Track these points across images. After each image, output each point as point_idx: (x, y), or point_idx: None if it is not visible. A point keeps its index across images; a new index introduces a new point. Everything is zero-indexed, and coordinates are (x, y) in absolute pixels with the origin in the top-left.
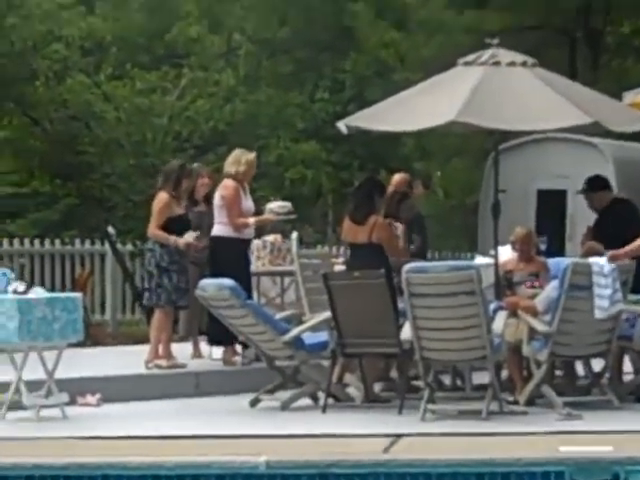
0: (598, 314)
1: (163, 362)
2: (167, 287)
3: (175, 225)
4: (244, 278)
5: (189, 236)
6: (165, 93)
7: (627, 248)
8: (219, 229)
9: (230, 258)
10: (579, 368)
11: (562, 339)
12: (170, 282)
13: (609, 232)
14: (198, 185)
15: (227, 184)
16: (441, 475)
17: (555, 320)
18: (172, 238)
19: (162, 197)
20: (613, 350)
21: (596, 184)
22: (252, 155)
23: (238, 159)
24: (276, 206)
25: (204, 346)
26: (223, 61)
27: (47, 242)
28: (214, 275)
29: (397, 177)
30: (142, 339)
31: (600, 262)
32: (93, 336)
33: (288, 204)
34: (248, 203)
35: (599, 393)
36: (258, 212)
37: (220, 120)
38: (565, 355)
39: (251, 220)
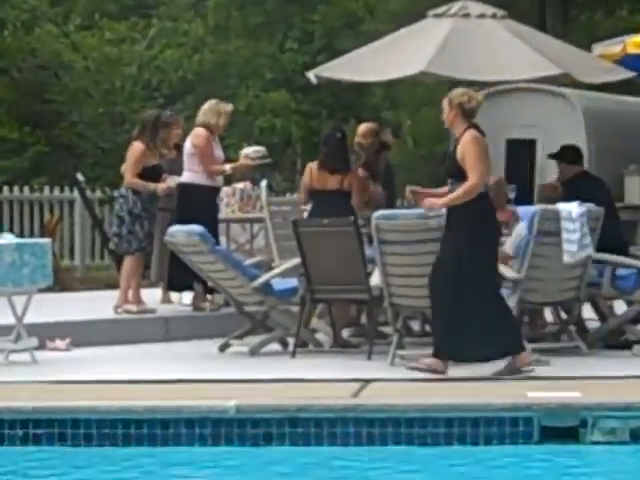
0: (567, 258)
1: (133, 307)
2: (138, 234)
3: (150, 174)
4: (213, 225)
5: (171, 180)
6: (134, 43)
7: (447, 198)
8: (189, 176)
9: (200, 205)
10: (548, 315)
11: (531, 285)
12: (142, 229)
13: None
14: (173, 131)
15: (199, 132)
16: (410, 420)
17: (524, 266)
18: (152, 185)
19: (138, 147)
20: (582, 296)
21: (566, 155)
22: (229, 106)
23: (216, 110)
24: (251, 151)
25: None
26: (192, 12)
27: (16, 189)
28: (182, 222)
29: (363, 127)
30: (111, 284)
31: (568, 207)
32: (62, 281)
33: (262, 148)
34: (218, 151)
35: (567, 339)
36: (228, 160)
37: (189, 70)
38: (534, 302)
39: (227, 167)
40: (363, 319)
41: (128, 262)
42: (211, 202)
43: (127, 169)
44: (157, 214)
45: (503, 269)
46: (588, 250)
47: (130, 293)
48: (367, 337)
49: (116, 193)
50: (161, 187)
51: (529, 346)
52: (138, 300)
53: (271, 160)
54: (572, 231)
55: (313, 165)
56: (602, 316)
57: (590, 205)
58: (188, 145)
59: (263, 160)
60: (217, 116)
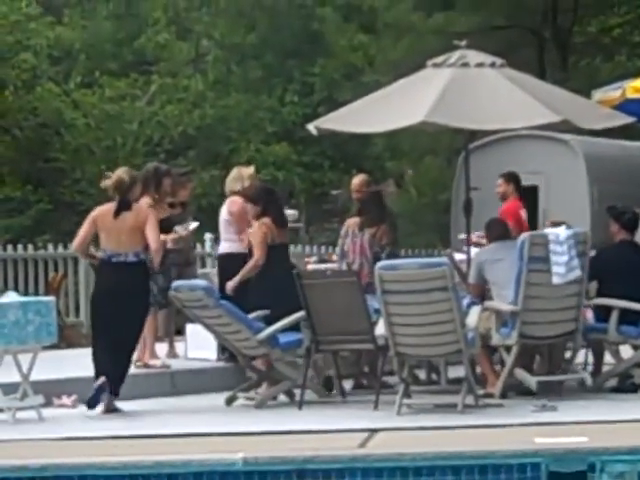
0: (556, 280)
1: (157, 362)
2: (153, 289)
3: (159, 228)
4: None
5: (181, 229)
6: (134, 99)
7: None
8: (228, 246)
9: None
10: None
11: (529, 317)
12: (156, 284)
13: None
14: (181, 191)
15: (235, 200)
16: (418, 469)
17: (519, 296)
18: (162, 237)
19: (144, 202)
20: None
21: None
22: (251, 169)
23: (240, 175)
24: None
25: (179, 345)
26: (192, 67)
27: (20, 247)
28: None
29: (355, 180)
30: None
31: (556, 231)
32: (67, 338)
33: (295, 212)
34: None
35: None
36: None
37: (190, 125)
38: (534, 336)
39: None
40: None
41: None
42: None
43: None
44: (172, 269)
45: (499, 305)
46: (576, 272)
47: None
48: (373, 387)
49: None
50: (170, 237)
51: (534, 379)
52: (154, 355)
53: (302, 225)
54: (560, 254)
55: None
56: (599, 362)
57: (577, 228)
58: (225, 213)
59: (296, 224)
60: (241, 181)
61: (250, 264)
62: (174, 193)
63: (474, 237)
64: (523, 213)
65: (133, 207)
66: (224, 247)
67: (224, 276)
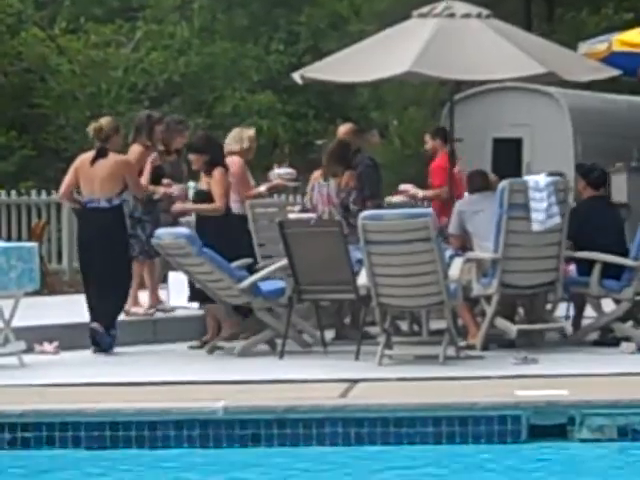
0: (535, 227)
1: (139, 310)
2: (141, 238)
3: (151, 176)
4: (251, 251)
5: (176, 188)
6: (120, 46)
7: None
8: (236, 207)
9: (241, 233)
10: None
11: (509, 266)
12: (144, 232)
13: None
14: (177, 139)
15: (234, 160)
16: (399, 419)
17: (500, 244)
18: (150, 187)
19: (135, 149)
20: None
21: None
22: (252, 131)
23: (240, 136)
24: (282, 172)
25: (162, 294)
26: (178, 14)
27: (3, 193)
28: (221, 251)
29: (342, 128)
30: None
31: (536, 178)
32: (50, 284)
33: (292, 171)
34: (250, 179)
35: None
36: None
37: (175, 72)
38: (514, 285)
39: (262, 188)
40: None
41: (134, 267)
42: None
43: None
44: (160, 217)
45: (477, 253)
46: (556, 219)
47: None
48: (354, 337)
49: None
50: (159, 191)
51: (515, 327)
52: (135, 302)
53: (299, 183)
54: (539, 200)
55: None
56: (579, 315)
57: (557, 177)
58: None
59: (294, 182)
60: (240, 142)
61: (210, 207)
62: (169, 140)
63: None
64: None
65: (110, 155)
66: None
67: (221, 234)
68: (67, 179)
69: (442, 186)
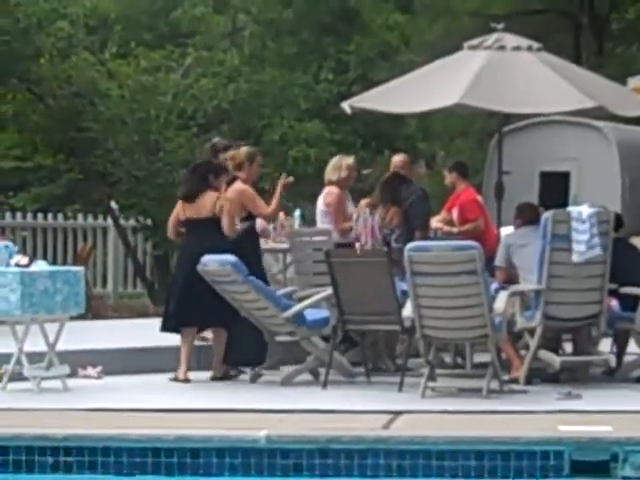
0: (575, 258)
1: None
2: None
3: None
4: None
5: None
6: (169, 72)
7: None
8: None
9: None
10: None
11: (552, 297)
12: None
13: None
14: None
15: (332, 191)
16: (441, 452)
17: (543, 276)
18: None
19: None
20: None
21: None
22: (351, 159)
23: (338, 165)
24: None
25: None
26: (228, 41)
27: (50, 216)
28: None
29: (396, 158)
30: (142, 312)
31: (579, 208)
32: (95, 309)
33: None
34: (350, 208)
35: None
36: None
37: (224, 99)
38: (558, 317)
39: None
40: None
41: None
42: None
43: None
44: None
45: (521, 285)
46: (596, 250)
47: None
48: (389, 369)
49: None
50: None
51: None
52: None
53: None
54: (582, 232)
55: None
56: (622, 351)
57: (600, 208)
58: (321, 203)
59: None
60: (338, 171)
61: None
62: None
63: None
64: (479, 198)
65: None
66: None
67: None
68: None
69: (476, 219)
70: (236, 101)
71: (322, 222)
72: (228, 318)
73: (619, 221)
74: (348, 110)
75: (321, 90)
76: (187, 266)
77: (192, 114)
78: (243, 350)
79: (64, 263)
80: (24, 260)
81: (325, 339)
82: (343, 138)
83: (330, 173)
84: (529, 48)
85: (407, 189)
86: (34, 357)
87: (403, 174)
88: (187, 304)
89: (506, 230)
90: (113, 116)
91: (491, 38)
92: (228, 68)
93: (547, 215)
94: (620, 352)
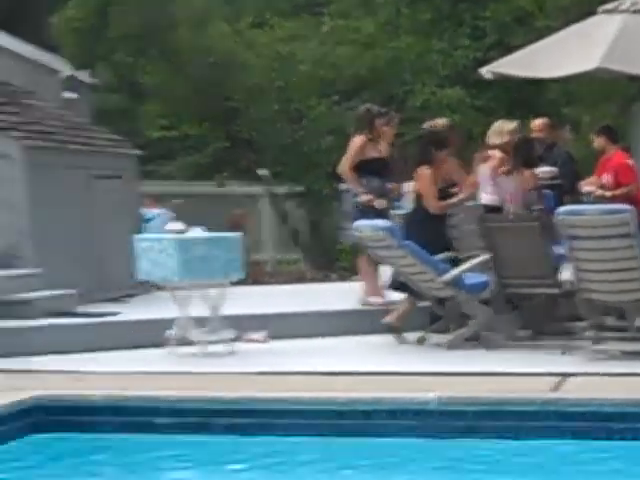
0: None
1: (378, 299)
2: None
3: (369, 167)
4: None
5: (378, 203)
6: (305, 40)
7: None
8: (491, 199)
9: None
10: None
11: None
12: None
13: None
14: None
15: (493, 154)
16: (609, 414)
17: None
18: (360, 189)
19: (357, 139)
20: None
21: None
22: (513, 124)
23: (499, 130)
24: (540, 171)
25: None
26: (362, 9)
27: (203, 184)
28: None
29: (537, 122)
30: (300, 278)
31: None
32: (252, 275)
33: (554, 169)
34: None
35: None
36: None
37: (362, 66)
38: None
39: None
40: None
41: (360, 258)
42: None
43: (345, 160)
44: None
45: None
46: None
47: (367, 286)
48: (551, 332)
49: (342, 187)
50: (364, 198)
51: None
52: (376, 292)
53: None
54: None
55: None
56: None
57: None
58: (486, 168)
59: (552, 181)
60: (500, 136)
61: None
62: (383, 135)
63: None
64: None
65: None
66: (483, 198)
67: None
68: None
69: (630, 183)
70: (374, 68)
71: (485, 184)
72: None
73: None
74: (488, 75)
75: (458, 56)
76: None
77: (332, 82)
78: None
79: (218, 230)
80: (181, 226)
81: (485, 303)
82: (485, 104)
83: (492, 137)
84: None
85: (551, 153)
86: (197, 322)
87: (537, 137)
88: None
89: None
90: (253, 85)
91: (627, 1)
92: (364, 35)
93: None
94: None
